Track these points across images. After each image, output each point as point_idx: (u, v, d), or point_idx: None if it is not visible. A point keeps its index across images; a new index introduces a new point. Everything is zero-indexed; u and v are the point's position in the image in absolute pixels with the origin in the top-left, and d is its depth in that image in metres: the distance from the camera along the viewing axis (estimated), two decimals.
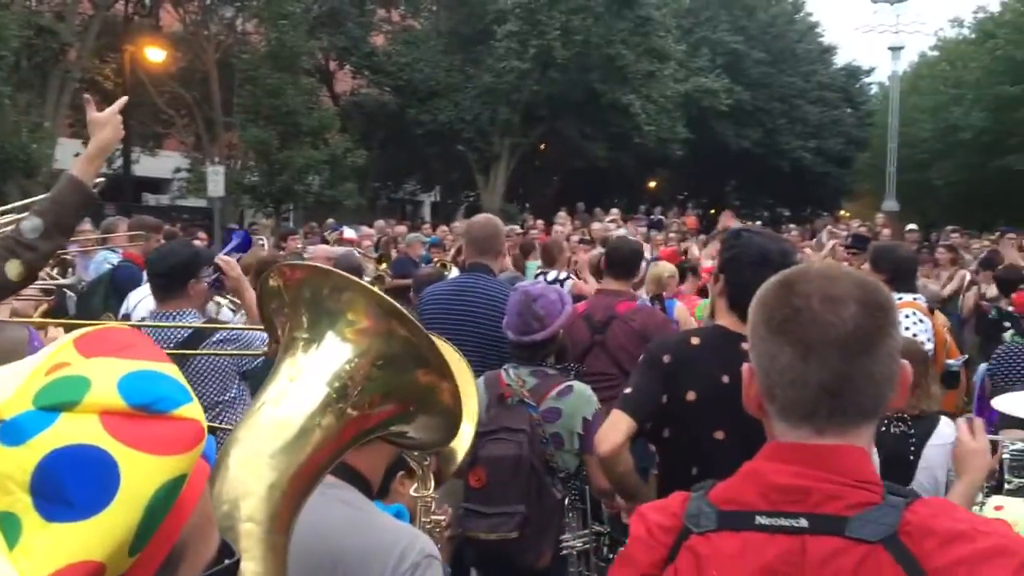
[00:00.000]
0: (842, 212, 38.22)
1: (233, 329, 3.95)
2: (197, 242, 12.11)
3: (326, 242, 12.25)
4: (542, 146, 30.81)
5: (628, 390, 2.79)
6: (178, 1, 23.23)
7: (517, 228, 12.64)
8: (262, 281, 1.24)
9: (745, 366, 1.37)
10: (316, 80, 25.91)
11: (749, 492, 1.27)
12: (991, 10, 33.23)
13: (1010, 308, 6.59)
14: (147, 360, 0.72)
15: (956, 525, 1.16)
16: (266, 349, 3.70)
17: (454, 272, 8.06)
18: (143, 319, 4.25)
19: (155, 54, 21.85)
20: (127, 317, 4.94)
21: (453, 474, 3.21)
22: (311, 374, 1.10)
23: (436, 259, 10.49)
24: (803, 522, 1.20)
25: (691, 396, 2.70)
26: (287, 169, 21.59)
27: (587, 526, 3.36)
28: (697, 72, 31.11)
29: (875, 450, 3.03)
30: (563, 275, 7.22)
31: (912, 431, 3.30)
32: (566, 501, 3.30)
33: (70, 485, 0.64)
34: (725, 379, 2.64)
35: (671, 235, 13.46)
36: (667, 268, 6.76)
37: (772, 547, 1.21)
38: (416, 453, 2.07)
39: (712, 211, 39.16)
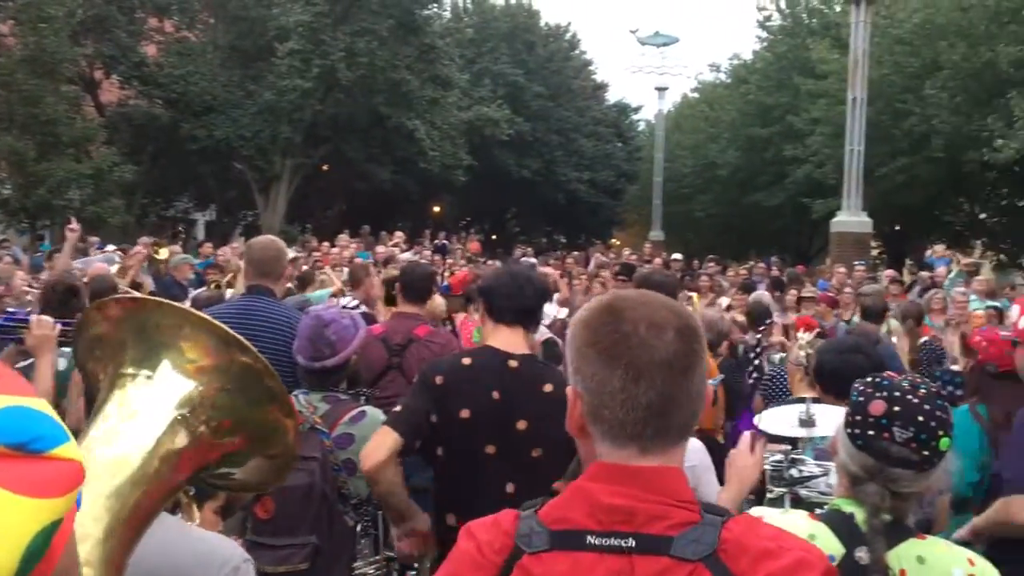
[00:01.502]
0: (613, 240, 40.38)
1: None
2: None
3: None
4: (325, 167, 30.36)
5: (398, 408, 2.89)
6: None
7: (296, 252, 12.31)
8: (83, 314, 1.14)
9: (569, 388, 1.39)
10: (79, 88, 24.19)
11: (578, 512, 1.30)
12: (745, 58, 36.47)
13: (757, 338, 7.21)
14: (17, 395, 0.65)
15: (763, 543, 1.25)
16: None
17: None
18: None
19: None
20: None
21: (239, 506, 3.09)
22: (145, 411, 1.02)
23: (211, 280, 10.05)
24: (631, 542, 1.25)
25: (465, 414, 2.83)
26: (45, 182, 19.96)
27: (379, 552, 3.33)
28: (480, 101, 31.86)
29: None
30: (362, 306, 7.07)
31: None
32: (358, 528, 3.26)
33: None
34: (496, 396, 2.83)
35: (460, 261, 13.67)
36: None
37: (601, 567, 1.25)
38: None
39: (494, 236, 40.16)
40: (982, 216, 25.98)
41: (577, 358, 1.36)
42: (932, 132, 20.22)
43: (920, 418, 1.88)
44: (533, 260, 16.83)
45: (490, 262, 15.20)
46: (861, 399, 1.95)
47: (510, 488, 2.77)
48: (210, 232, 32.70)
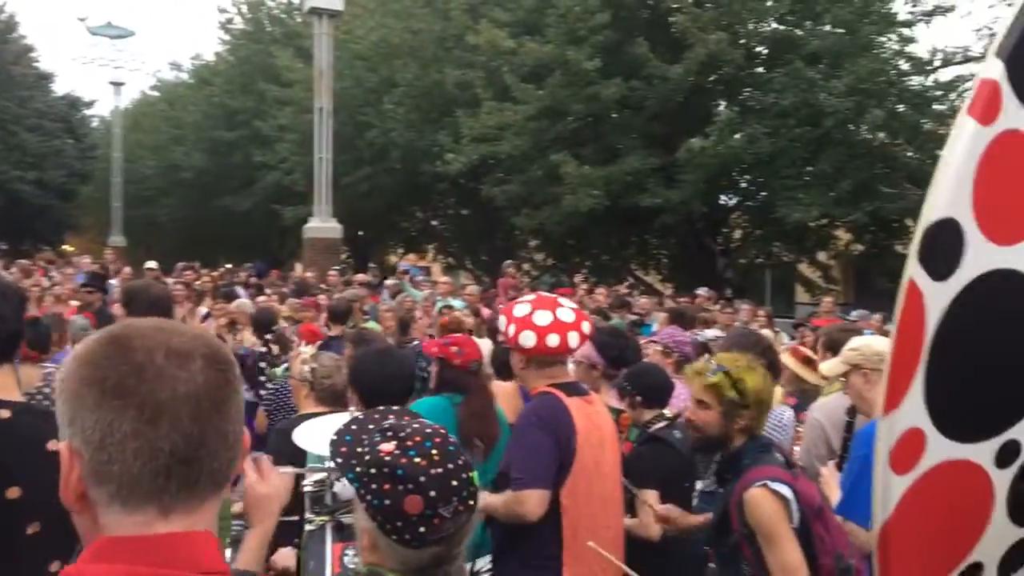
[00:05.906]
0: (67, 247, 36.66)
1: None
2: None
3: None
4: None
5: None
6: None
7: None
8: None
9: (63, 445, 1.09)
10: None
11: None
12: (208, 59, 35.50)
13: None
14: None
15: None
16: None
17: None
18: None
19: None
20: None
21: None
22: None
23: None
24: None
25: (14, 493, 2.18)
26: None
27: None
28: None
29: None
30: None
31: None
32: None
33: None
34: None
35: None
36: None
37: None
38: None
39: None
40: (434, 223, 28.65)
41: (74, 404, 1.08)
42: (391, 144, 21.68)
43: (454, 482, 1.65)
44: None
45: None
46: (388, 501, 1.63)
47: None
48: None
